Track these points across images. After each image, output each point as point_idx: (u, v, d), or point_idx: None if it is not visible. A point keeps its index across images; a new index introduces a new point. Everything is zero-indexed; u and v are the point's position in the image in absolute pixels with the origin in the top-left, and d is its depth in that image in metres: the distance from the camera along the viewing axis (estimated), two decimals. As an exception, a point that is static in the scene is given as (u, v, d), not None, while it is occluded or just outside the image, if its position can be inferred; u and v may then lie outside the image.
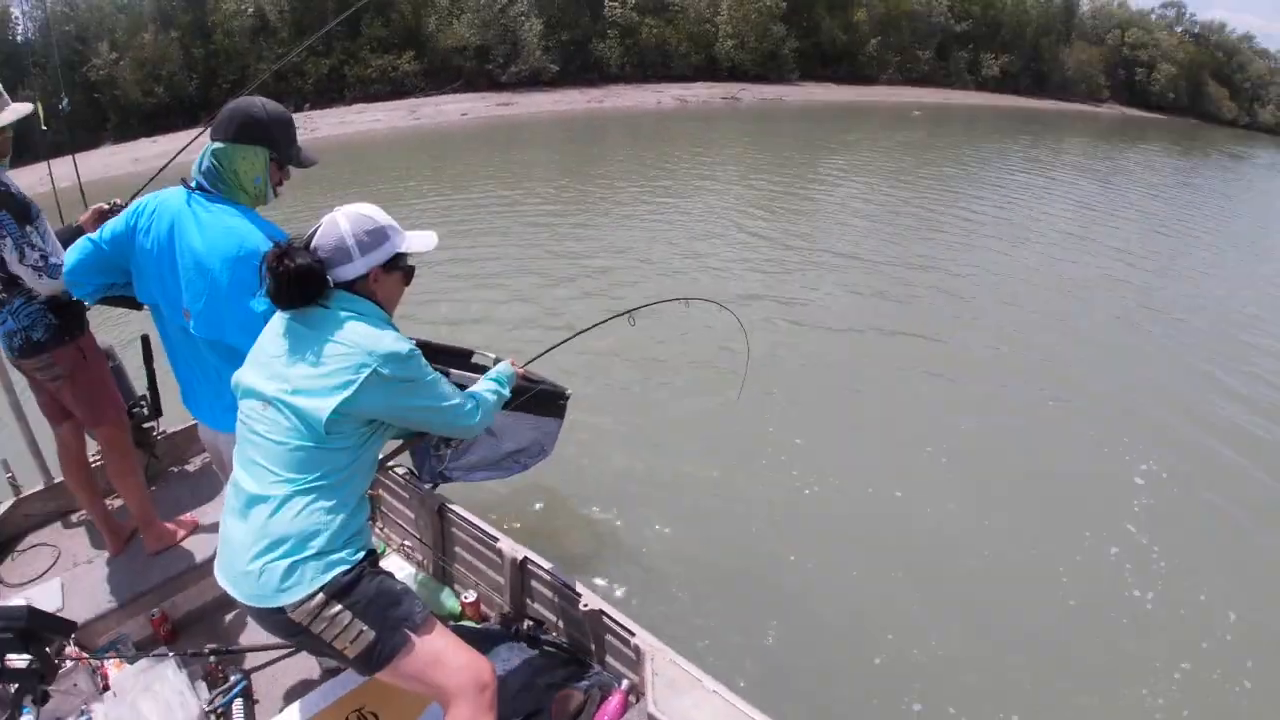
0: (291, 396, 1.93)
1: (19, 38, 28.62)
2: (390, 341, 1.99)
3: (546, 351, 3.36)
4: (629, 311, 3.38)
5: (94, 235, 2.49)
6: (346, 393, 1.91)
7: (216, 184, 2.38)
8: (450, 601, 3.26)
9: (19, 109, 2.81)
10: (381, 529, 3.78)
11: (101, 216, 2.88)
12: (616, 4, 34.89)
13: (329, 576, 1.92)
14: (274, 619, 1.96)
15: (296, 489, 1.93)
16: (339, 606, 1.93)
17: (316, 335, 1.97)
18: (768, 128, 28.29)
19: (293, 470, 1.94)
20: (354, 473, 2.04)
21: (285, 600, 1.89)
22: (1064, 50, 52.63)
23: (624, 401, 6.16)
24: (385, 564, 3.24)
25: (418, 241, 2.17)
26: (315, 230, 2.03)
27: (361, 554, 2.01)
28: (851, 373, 6.78)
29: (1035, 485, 5.25)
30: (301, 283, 1.96)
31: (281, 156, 2.45)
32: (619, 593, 4.10)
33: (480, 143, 23.67)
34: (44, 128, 3.62)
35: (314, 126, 26.86)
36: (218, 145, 2.36)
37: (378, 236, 2.06)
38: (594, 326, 3.54)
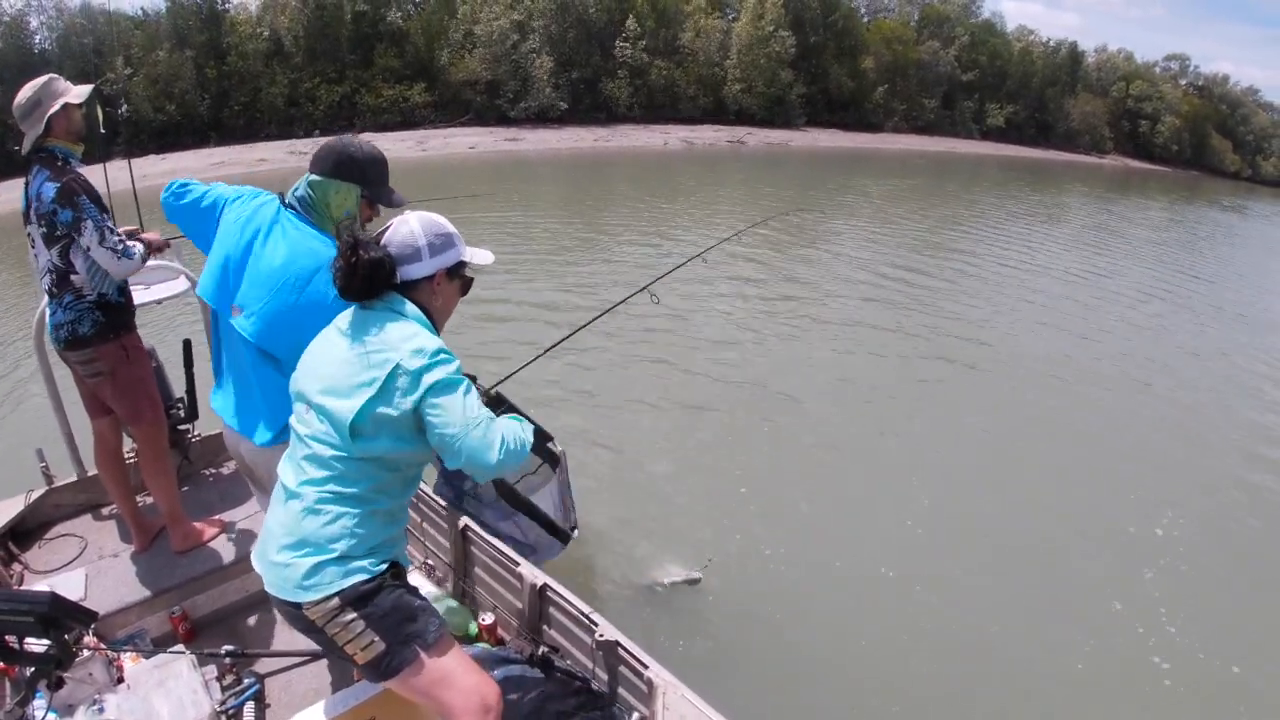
0: (322, 397, 1.98)
1: (36, 48, 28.99)
2: (422, 339, 1.98)
3: (553, 346, 3.59)
4: (647, 287, 3.50)
5: (208, 187, 2.61)
6: (370, 391, 1.92)
7: (309, 211, 2.49)
8: (468, 622, 3.28)
9: (85, 88, 2.93)
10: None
11: (130, 236, 3.02)
12: (627, 45, 35.26)
13: (348, 583, 1.95)
14: (291, 612, 2.01)
15: (330, 493, 1.96)
16: (354, 614, 1.96)
17: (358, 336, 1.99)
18: (771, 173, 28.60)
19: (329, 476, 1.97)
20: (391, 484, 2.05)
21: (303, 597, 1.94)
22: (1069, 101, 53.19)
23: (642, 429, 6.28)
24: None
25: (478, 255, 2.18)
26: (385, 229, 2.05)
27: (384, 565, 2.03)
28: (871, 419, 6.98)
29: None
30: (372, 275, 1.99)
31: (373, 195, 2.54)
32: (634, 623, 4.10)
33: (488, 177, 23.88)
34: (103, 130, 3.82)
35: (322, 154, 27.06)
36: (314, 177, 2.47)
37: (447, 241, 2.07)
38: (606, 312, 3.67)
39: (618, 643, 2.71)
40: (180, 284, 3.80)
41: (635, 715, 2.71)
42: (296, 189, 2.50)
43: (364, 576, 1.97)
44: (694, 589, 4.54)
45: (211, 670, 2.80)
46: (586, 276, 11.48)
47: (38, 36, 29.50)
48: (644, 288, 3.46)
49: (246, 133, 28.91)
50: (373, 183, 2.51)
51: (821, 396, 7.36)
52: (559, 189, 23.22)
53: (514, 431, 2.16)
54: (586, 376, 7.26)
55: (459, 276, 2.15)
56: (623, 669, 2.77)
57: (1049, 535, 5.48)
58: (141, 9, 30.98)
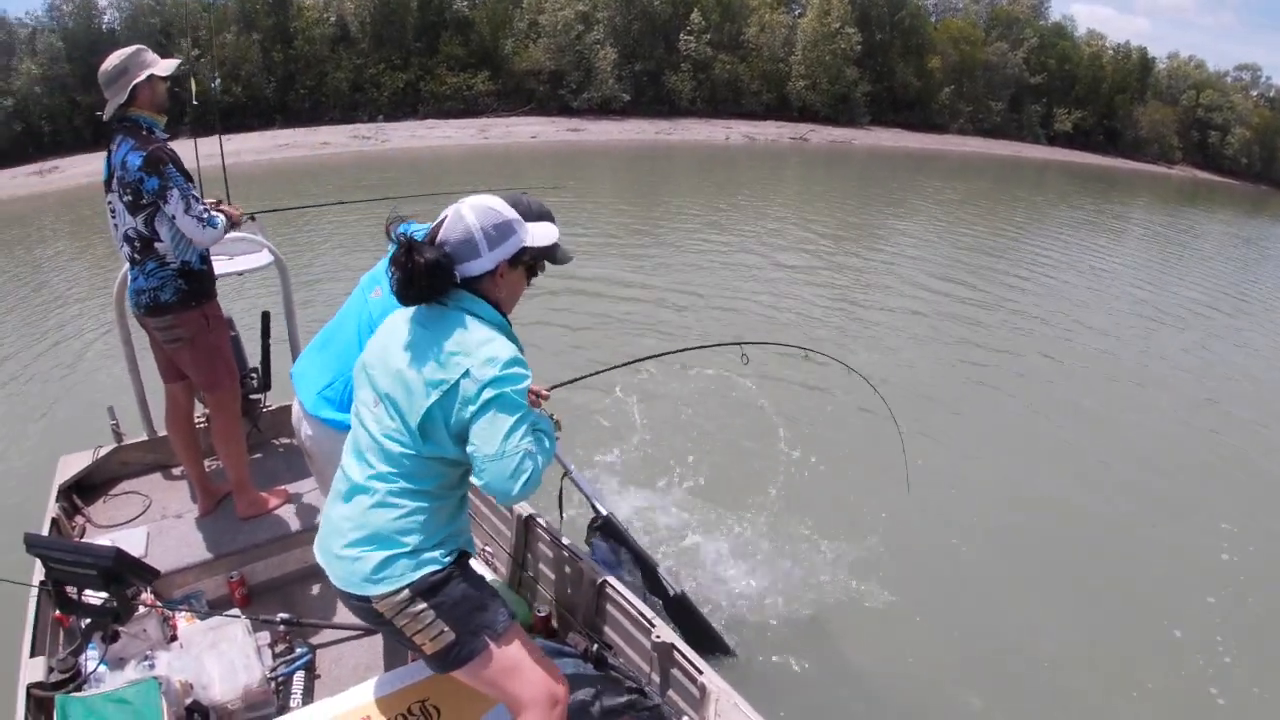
0: (394, 390, 1.93)
1: (105, 28, 29.40)
2: (497, 346, 1.91)
3: (629, 363, 3.33)
4: (742, 344, 3.24)
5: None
6: (439, 393, 1.87)
7: None
8: (523, 611, 3.27)
9: (172, 62, 2.98)
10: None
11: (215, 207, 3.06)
12: (691, 38, 34.92)
13: (419, 575, 1.93)
14: (360, 605, 1.99)
15: (398, 489, 1.93)
16: (424, 605, 1.94)
17: (433, 335, 1.92)
18: (836, 172, 28.09)
19: (397, 472, 1.93)
20: (459, 479, 2.02)
21: (373, 590, 1.92)
22: (1138, 109, 51.74)
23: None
24: None
25: (541, 234, 2.08)
26: (440, 223, 1.96)
27: (453, 556, 2.01)
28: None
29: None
30: (430, 278, 1.90)
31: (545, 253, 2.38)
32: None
33: (550, 165, 23.68)
34: (194, 103, 3.86)
35: (385, 138, 27.31)
36: None
37: (505, 230, 1.98)
38: (691, 349, 3.47)
39: (673, 646, 2.72)
40: (264, 257, 3.81)
41: (686, 719, 2.71)
42: None
43: (435, 568, 1.95)
44: (755, 602, 4.46)
45: (265, 637, 2.81)
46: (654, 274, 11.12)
47: (106, 16, 29.94)
48: (739, 343, 3.22)
49: (311, 116, 29.16)
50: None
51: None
52: (622, 179, 23.01)
53: (541, 462, 2.07)
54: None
55: (522, 263, 2.06)
56: (675, 672, 2.78)
57: (1115, 551, 5.30)
58: (210, -8, 31.13)
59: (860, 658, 4.22)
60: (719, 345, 3.39)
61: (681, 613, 3.91)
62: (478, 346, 1.90)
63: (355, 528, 1.96)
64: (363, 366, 2.06)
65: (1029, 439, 6.68)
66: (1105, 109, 49.93)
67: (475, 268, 1.97)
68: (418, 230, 2.46)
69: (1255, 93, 64.27)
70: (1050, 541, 5.23)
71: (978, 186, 27.39)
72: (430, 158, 24.87)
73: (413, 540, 1.93)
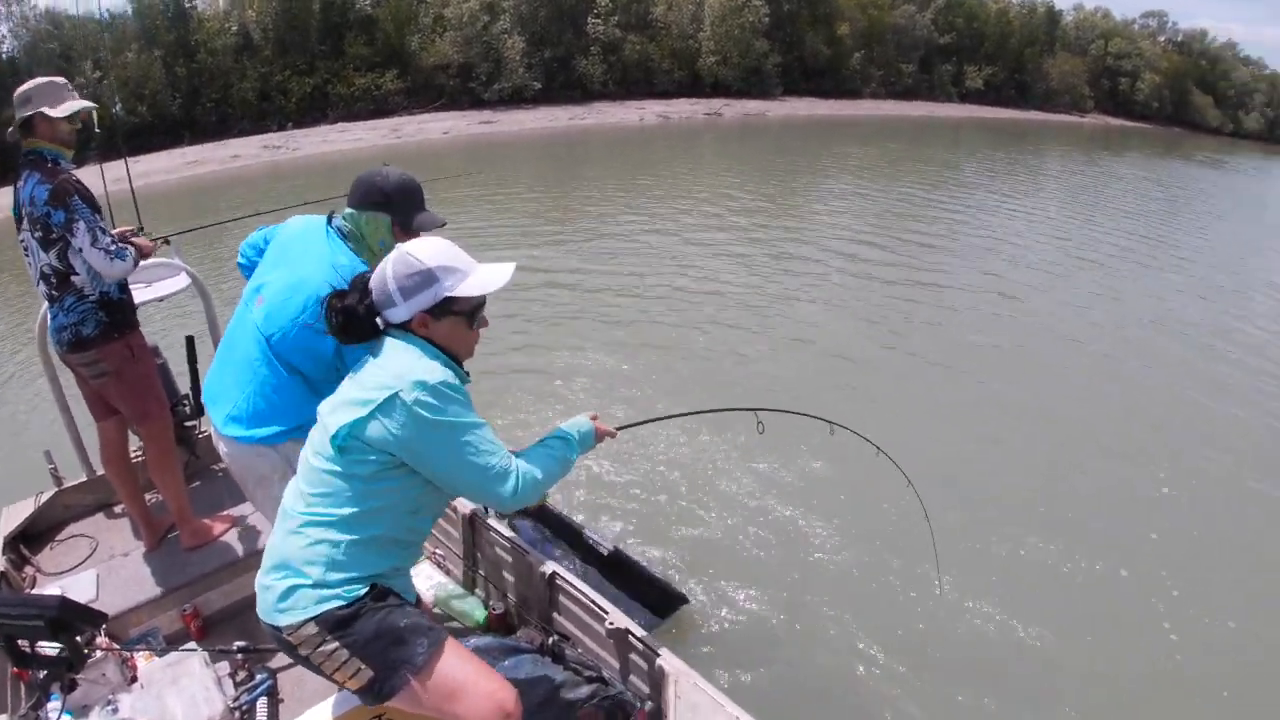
0: (326, 414, 1.95)
1: (4, 55, 28.69)
2: (426, 369, 1.92)
3: (644, 422, 3.00)
4: (758, 410, 2.98)
5: (267, 231, 2.73)
6: (361, 411, 1.87)
7: (351, 241, 2.54)
8: (478, 611, 3.30)
9: (70, 105, 2.91)
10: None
11: (122, 238, 3.04)
12: (599, 21, 35.03)
13: (322, 609, 1.89)
14: (275, 636, 1.97)
15: (315, 516, 1.92)
16: (335, 643, 1.91)
17: (371, 362, 1.97)
18: (750, 143, 28.50)
19: (318, 496, 1.92)
20: (379, 512, 1.96)
21: (281, 621, 1.90)
22: (1048, 61, 52.99)
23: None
24: (415, 570, 3.29)
25: (477, 282, 2.03)
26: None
27: (362, 590, 1.95)
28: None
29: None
30: (345, 324, 2.01)
31: (402, 222, 2.54)
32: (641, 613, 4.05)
33: (464, 159, 23.72)
34: (97, 130, 3.72)
35: (296, 146, 26.98)
36: (349, 210, 2.54)
37: (421, 280, 1.96)
38: (709, 411, 3.24)
39: (628, 631, 2.72)
40: (182, 280, 3.79)
41: (647, 704, 2.70)
42: (342, 220, 2.57)
43: (339, 603, 1.91)
44: (706, 588, 4.51)
45: (224, 667, 2.81)
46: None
47: (4, 44, 29.24)
48: (754, 410, 3.03)
49: (219, 129, 28.67)
50: (400, 209, 2.53)
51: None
52: (537, 167, 23.11)
53: (533, 467, 2.09)
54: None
55: (451, 314, 2.01)
56: (633, 657, 2.77)
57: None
58: (108, 11, 30.51)
59: (818, 613, 4.29)
60: (735, 410, 3.20)
61: (620, 569, 4.01)
62: (406, 371, 1.90)
63: (272, 554, 1.95)
64: (319, 412, 2.05)
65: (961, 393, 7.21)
66: (1015, 64, 51.03)
67: (394, 316, 1.99)
68: (266, 233, 2.72)
69: (1163, 38, 66.13)
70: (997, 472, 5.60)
71: (893, 149, 28.01)
72: (343, 162, 24.71)
73: (315, 572, 1.90)
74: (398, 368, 1.91)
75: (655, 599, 4.11)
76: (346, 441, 1.88)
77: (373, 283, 2.00)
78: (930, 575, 4.45)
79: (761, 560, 4.81)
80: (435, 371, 1.92)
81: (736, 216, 14.71)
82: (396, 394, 1.86)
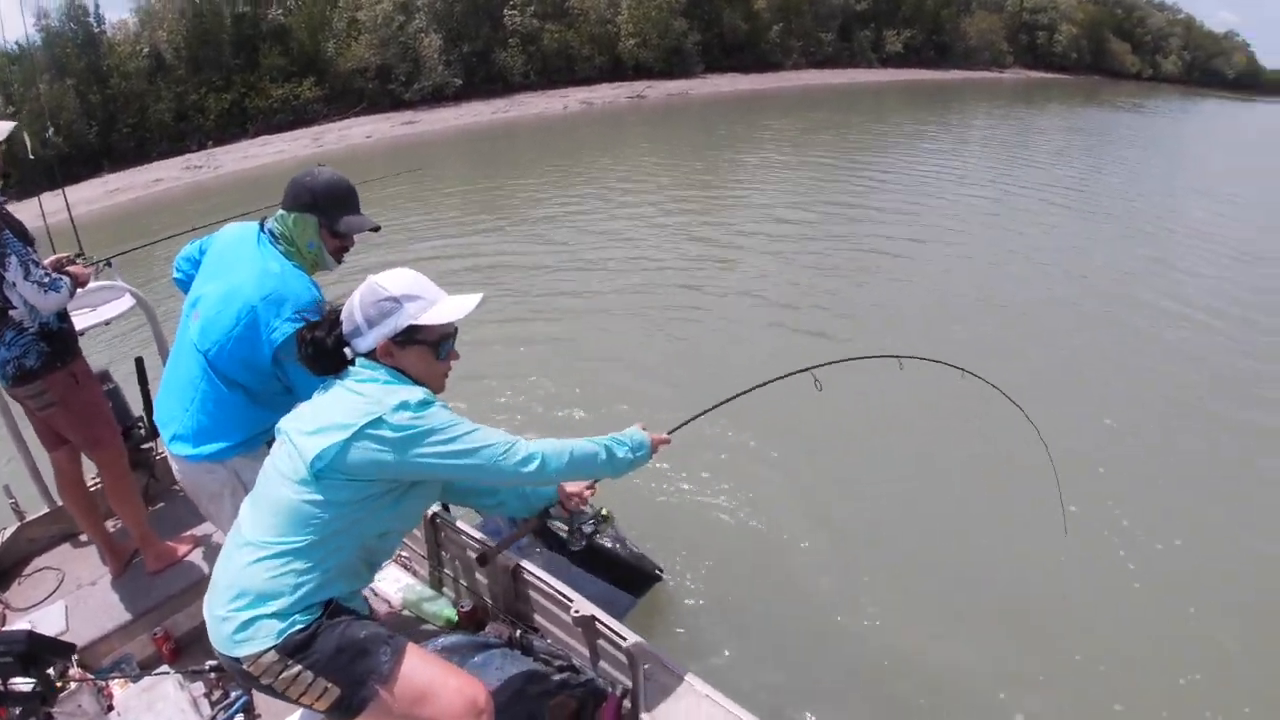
0: (299, 436, 1.92)
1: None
2: (406, 392, 1.93)
3: (695, 418, 2.82)
4: (812, 368, 2.89)
5: (201, 241, 2.71)
6: (343, 435, 1.85)
7: (281, 243, 2.51)
8: (447, 610, 3.28)
9: (3, 126, 2.85)
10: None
11: (58, 266, 3.01)
12: (515, 12, 35.12)
13: (283, 638, 1.87)
14: (235, 668, 1.93)
15: (283, 544, 1.89)
16: (297, 666, 1.88)
17: (350, 390, 1.96)
18: (674, 123, 28.87)
19: (282, 524, 1.89)
20: (348, 537, 1.96)
21: (240, 651, 1.87)
22: (965, 20, 54.00)
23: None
24: (382, 574, 3.45)
25: (441, 311, 2.02)
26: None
27: (319, 612, 1.93)
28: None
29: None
30: (316, 356, 2.03)
31: (329, 224, 2.50)
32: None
33: (388, 162, 23.75)
34: (32, 157, 3.70)
35: (218, 164, 26.81)
36: (280, 212, 2.52)
37: (385, 309, 1.98)
38: (767, 383, 2.97)
39: (594, 617, 2.72)
40: (126, 301, 3.76)
41: (618, 688, 2.72)
42: (273, 223, 2.53)
43: (298, 627, 1.89)
44: (683, 562, 4.56)
45: (199, 687, 2.78)
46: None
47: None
48: (809, 369, 2.91)
49: (138, 154, 28.38)
50: (326, 210, 2.49)
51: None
52: (463, 163, 23.21)
53: (560, 451, 2.08)
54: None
55: (416, 342, 2.01)
56: (602, 643, 2.78)
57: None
58: (15, 44, 29.97)
59: (774, 611, 4.29)
60: (791, 374, 3.00)
61: (591, 555, 3.92)
62: (386, 396, 1.91)
63: (231, 585, 1.91)
64: (283, 420, 2.03)
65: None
66: (933, 25, 51.92)
67: (360, 345, 2.00)
68: (201, 244, 2.68)
69: (1078, -11, 67.44)
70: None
71: (817, 118, 28.61)
72: (266, 176, 24.60)
73: (280, 603, 1.88)
74: (376, 393, 1.92)
75: (629, 579, 4.13)
76: (326, 469, 1.86)
77: (343, 313, 2.02)
78: (895, 536, 4.79)
79: (734, 529, 4.95)
80: (415, 392, 1.94)
81: (668, 194, 15.20)
82: (380, 417, 1.86)
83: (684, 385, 6.64)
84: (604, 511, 2.76)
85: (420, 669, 2.00)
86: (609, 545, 4.13)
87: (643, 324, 8.21)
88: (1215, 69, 78.23)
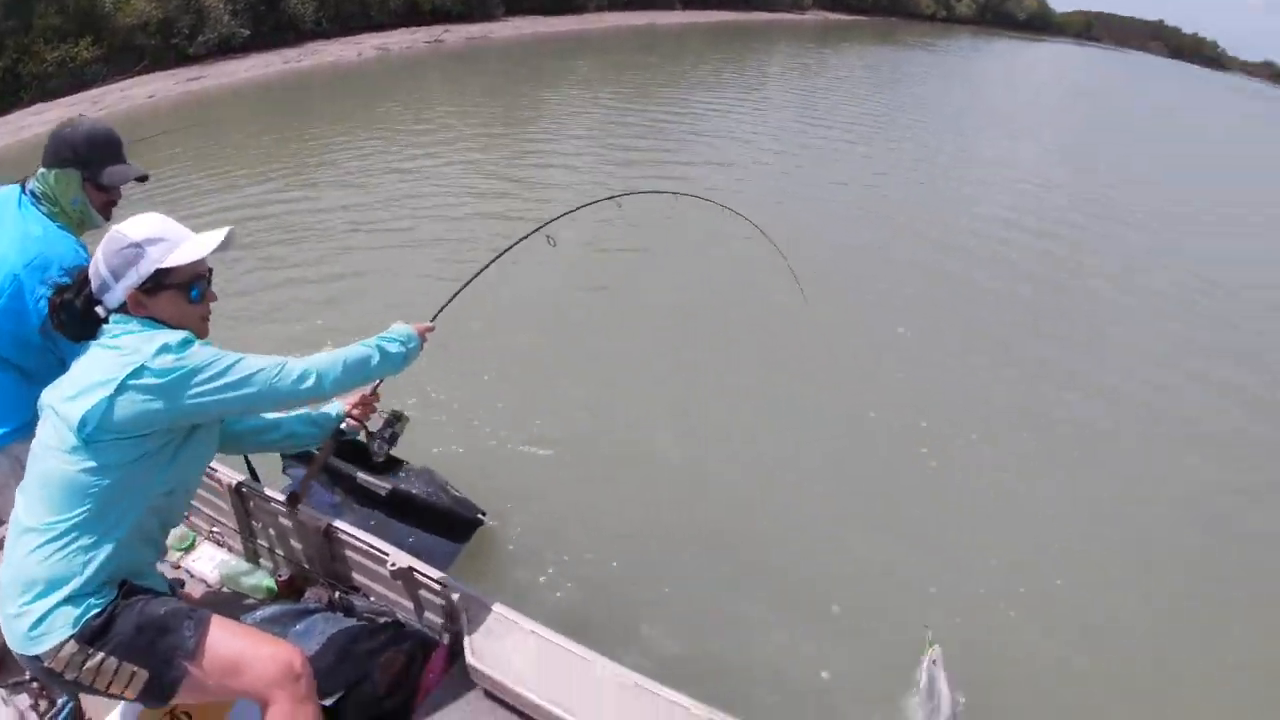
0: (61, 404, 1.85)
1: None
2: (165, 335, 1.89)
3: (453, 298, 3.08)
4: (546, 224, 3.23)
5: None
6: (106, 391, 1.79)
7: (46, 203, 2.44)
8: (265, 581, 3.24)
9: None
10: (187, 517, 3.63)
11: None
12: (304, -44, 34.31)
13: (80, 625, 1.81)
14: (37, 668, 1.85)
15: (62, 522, 1.82)
16: (99, 653, 1.82)
17: (106, 347, 1.90)
18: (475, 67, 29.86)
19: (59, 500, 1.83)
20: (133, 501, 1.91)
21: (38, 649, 1.80)
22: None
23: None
24: (196, 554, 3.44)
25: (186, 250, 1.97)
26: None
27: (115, 592, 1.90)
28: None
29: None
30: (69, 322, 1.97)
31: (92, 177, 2.43)
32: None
33: (172, 121, 23.44)
34: None
35: (-11, 139, 25.60)
36: (41, 170, 2.44)
37: (128, 258, 1.91)
38: (513, 246, 3.25)
39: (412, 568, 2.72)
40: None
41: (445, 637, 2.76)
42: (35, 182, 2.47)
43: (96, 610, 1.84)
44: (505, 499, 4.77)
45: (24, 699, 2.64)
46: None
47: None
48: (539, 229, 3.23)
49: (-98, 130, 26.70)
50: (89, 163, 2.42)
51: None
52: (252, 118, 23.22)
53: (332, 360, 2.10)
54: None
55: (165, 287, 1.97)
56: (423, 593, 2.80)
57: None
58: None
59: (616, 504, 4.73)
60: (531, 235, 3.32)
61: (405, 506, 3.93)
62: (145, 343, 1.86)
63: (16, 578, 1.83)
64: (44, 392, 1.96)
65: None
66: (734, -35, 53.46)
67: (111, 300, 1.94)
68: None
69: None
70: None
71: (619, 59, 30.70)
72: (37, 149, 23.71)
73: (73, 585, 1.81)
74: (133, 343, 1.87)
75: (449, 526, 4.12)
76: (95, 431, 1.80)
77: (89, 270, 1.96)
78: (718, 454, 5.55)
79: (549, 460, 5.35)
80: (174, 335, 1.90)
81: (461, 136, 16.68)
82: (142, 365, 1.81)
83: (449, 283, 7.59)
84: (397, 410, 2.82)
85: (228, 640, 1.97)
86: (424, 494, 4.07)
87: (421, 254, 9.37)
88: (1007, 11, 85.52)
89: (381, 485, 3.89)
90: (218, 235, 2.01)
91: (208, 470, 3.05)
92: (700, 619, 4.27)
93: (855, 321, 8.09)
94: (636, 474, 5.42)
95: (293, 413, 2.55)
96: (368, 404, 2.68)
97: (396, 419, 2.86)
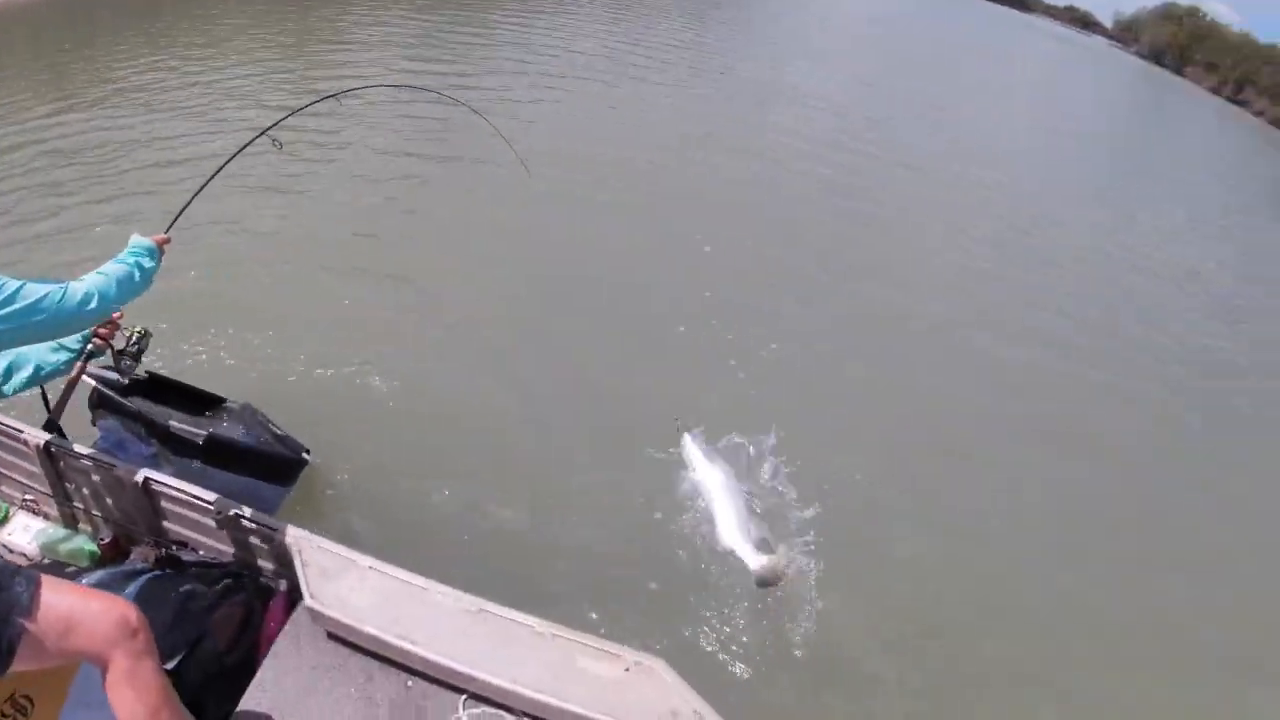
0: None
1: None
2: None
3: (182, 211, 2.95)
4: (270, 128, 3.09)
5: None
6: None
7: None
8: (87, 546, 3.05)
9: None
10: None
11: None
12: None
13: None
14: None
15: None
16: None
17: None
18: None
19: None
20: None
21: None
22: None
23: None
24: (10, 527, 3.14)
25: None
26: None
27: None
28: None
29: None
30: None
31: None
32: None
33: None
34: None
35: None
36: None
37: None
38: (236, 155, 3.17)
39: (238, 516, 2.61)
40: None
41: (282, 583, 2.68)
42: None
43: None
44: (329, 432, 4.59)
45: None
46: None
47: None
48: (264, 131, 3.16)
49: None
50: None
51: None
52: None
53: (105, 277, 2.11)
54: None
55: None
56: (253, 540, 2.69)
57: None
58: None
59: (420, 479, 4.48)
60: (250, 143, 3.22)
61: (224, 451, 3.68)
62: None
63: None
64: None
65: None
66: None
67: None
68: None
69: None
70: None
71: None
72: None
73: None
74: None
75: (274, 468, 3.95)
76: None
77: None
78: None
79: (359, 387, 5.19)
80: None
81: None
82: None
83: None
84: (139, 329, 2.74)
85: (59, 598, 1.86)
86: (244, 439, 3.88)
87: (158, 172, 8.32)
88: None
89: (198, 432, 3.61)
90: None
91: (12, 431, 2.99)
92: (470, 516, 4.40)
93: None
94: (445, 396, 5.44)
95: (34, 346, 2.50)
96: (113, 323, 2.67)
97: (141, 335, 2.85)
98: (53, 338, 2.31)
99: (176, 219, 2.85)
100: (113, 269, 2.16)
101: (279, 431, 4.07)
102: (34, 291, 1.89)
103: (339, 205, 7.74)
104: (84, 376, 3.01)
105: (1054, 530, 5.58)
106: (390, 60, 13.32)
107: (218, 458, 3.64)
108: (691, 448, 4.91)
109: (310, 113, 3.75)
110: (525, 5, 21.81)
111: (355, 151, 8.40)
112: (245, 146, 3.20)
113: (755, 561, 4.26)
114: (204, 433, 3.57)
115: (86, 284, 2.04)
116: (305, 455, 4.10)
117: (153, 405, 3.60)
